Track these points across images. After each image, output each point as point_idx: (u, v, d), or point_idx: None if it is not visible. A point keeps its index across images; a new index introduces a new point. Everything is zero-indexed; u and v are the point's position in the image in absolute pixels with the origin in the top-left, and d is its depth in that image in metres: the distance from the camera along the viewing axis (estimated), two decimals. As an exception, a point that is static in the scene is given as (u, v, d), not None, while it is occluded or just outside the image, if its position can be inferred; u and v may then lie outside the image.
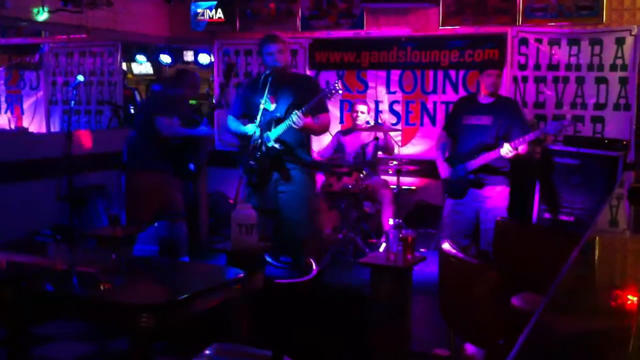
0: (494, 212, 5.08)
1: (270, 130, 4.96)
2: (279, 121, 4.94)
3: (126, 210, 5.54)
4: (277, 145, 4.94)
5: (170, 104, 5.49)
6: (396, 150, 6.77)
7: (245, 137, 5.04)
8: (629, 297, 1.45)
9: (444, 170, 5.45)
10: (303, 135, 5.11)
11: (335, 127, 6.98)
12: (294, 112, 4.80)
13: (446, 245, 2.61)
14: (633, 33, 6.15)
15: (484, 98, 5.38)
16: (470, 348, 2.65)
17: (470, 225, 5.37)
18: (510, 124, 5.21)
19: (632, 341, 1.15)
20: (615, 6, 6.29)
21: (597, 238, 2.19)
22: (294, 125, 4.81)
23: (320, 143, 6.89)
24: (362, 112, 6.66)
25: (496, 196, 5.25)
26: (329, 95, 4.91)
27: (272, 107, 5.01)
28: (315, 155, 6.27)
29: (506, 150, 4.96)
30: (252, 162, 4.97)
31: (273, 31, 5.60)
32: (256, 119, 4.91)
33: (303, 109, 4.79)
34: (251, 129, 4.96)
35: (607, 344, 1.19)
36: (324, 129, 5.33)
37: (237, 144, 5.32)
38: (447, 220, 5.50)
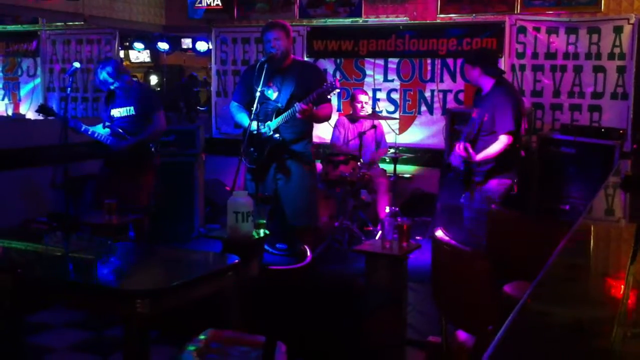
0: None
1: (270, 119, 4.95)
2: (280, 111, 4.94)
3: None
4: (276, 136, 4.95)
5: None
6: (394, 139, 6.77)
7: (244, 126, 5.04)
8: (615, 285, 1.46)
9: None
10: (305, 125, 5.10)
11: (333, 115, 7.00)
12: (296, 104, 4.80)
13: (439, 233, 2.61)
14: (631, 22, 6.15)
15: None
16: (462, 335, 2.67)
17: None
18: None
19: (615, 329, 1.15)
20: (614, -5, 6.29)
21: (588, 225, 2.19)
22: (296, 115, 4.82)
23: (327, 131, 6.93)
24: (367, 103, 6.66)
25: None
26: (330, 90, 4.90)
27: (274, 96, 5.00)
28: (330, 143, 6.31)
29: None
30: (252, 149, 4.97)
31: (272, 19, 5.58)
32: (254, 106, 4.90)
33: (305, 100, 4.79)
34: (247, 121, 4.95)
35: (590, 331, 1.20)
36: (326, 119, 5.37)
37: (236, 132, 5.31)
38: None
